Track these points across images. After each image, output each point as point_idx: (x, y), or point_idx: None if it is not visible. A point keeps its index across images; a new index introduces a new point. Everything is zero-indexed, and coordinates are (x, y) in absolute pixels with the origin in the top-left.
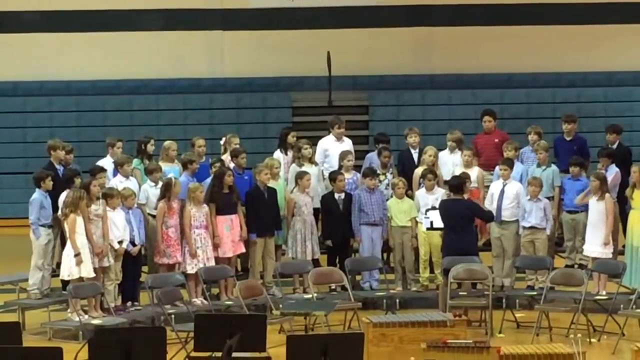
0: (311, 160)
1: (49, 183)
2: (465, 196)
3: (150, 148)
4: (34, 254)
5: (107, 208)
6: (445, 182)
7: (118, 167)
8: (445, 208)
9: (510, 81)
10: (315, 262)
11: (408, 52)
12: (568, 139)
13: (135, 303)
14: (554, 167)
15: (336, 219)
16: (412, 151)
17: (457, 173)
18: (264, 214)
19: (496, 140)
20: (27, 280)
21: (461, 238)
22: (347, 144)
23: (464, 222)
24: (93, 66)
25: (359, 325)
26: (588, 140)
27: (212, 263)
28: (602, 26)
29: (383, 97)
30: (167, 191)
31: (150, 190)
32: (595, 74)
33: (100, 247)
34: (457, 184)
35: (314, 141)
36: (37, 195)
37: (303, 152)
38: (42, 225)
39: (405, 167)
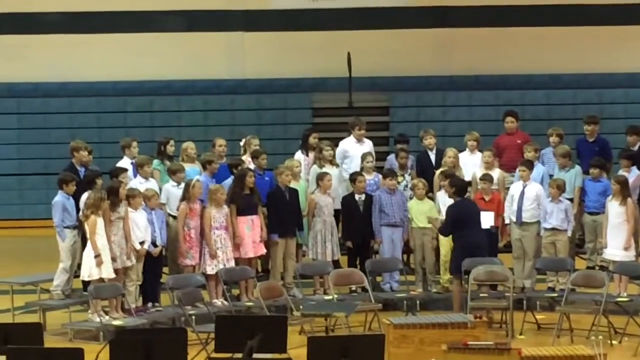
0: (332, 162)
1: (72, 187)
2: (487, 197)
3: (170, 149)
4: (62, 256)
5: (129, 209)
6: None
7: (138, 168)
8: (458, 208)
9: (530, 82)
10: (336, 263)
11: (428, 53)
12: (590, 140)
13: (156, 304)
14: (577, 167)
15: (356, 220)
16: (429, 153)
17: (478, 174)
18: (285, 215)
19: (519, 141)
20: (47, 281)
21: (476, 233)
22: (368, 146)
23: (476, 221)
24: (114, 67)
25: (379, 326)
26: (609, 142)
27: (232, 264)
28: (623, 27)
29: (403, 98)
30: (186, 192)
31: (172, 191)
32: (616, 75)
33: (115, 253)
34: (463, 185)
35: (334, 142)
36: (59, 197)
37: (324, 154)
38: (67, 227)
39: (423, 169)
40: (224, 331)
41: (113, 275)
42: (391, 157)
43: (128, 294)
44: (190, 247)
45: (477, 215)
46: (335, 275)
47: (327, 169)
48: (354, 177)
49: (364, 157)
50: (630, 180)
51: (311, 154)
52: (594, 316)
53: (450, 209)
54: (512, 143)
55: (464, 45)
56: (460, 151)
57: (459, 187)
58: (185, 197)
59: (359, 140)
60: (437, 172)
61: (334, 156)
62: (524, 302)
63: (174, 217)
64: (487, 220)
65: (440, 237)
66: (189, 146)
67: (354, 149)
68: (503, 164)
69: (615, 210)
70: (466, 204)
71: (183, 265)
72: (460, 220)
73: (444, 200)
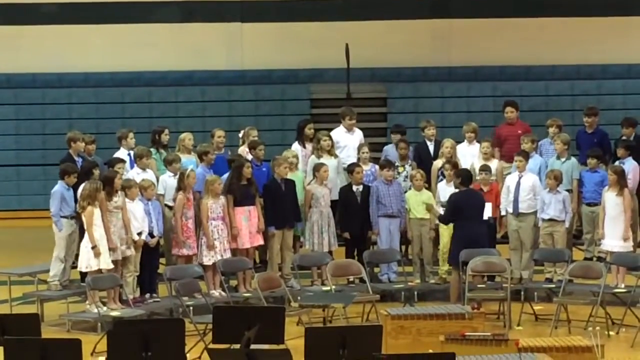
0: (330, 152)
1: (73, 179)
2: (485, 188)
3: (165, 138)
4: (56, 246)
5: (127, 200)
6: None
7: (137, 159)
8: (461, 199)
9: (529, 73)
10: (333, 254)
11: (426, 44)
12: (589, 131)
13: (154, 295)
14: (573, 159)
15: (354, 211)
16: (429, 143)
17: (477, 165)
18: (281, 206)
19: (519, 131)
20: (45, 271)
21: (475, 225)
22: (358, 135)
23: (478, 212)
24: (112, 58)
25: (377, 317)
26: (608, 134)
27: (229, 255)
28: (622, 18)
29: (401, 89)
30: (181, 182)
31: (169, 181)
32: (614, 66)
33: (115, 243)
34: (468, 175)
35: None
36: (59, 187)
37: (322, 144)
38: (64, 217)
39: (422, 160)
40: (222, 322)
41: (111, 266)
42: (387, 148)
43: (126, 284)
44: (188, 237)
45: (478, 207)
46: (333, 266)
47: (325, 159)
48: (351, 168)
49: (359, 147)
50: (630, 173)
51: (308, 145)
52: (592, 307)
53: (452, 196)
54: (512, 133)
55: (462, 36)
56: (458, 142)
57: (464, 176)
58: (181, 187)
59: (350, 129)
60: (435, 162)
61: (332, 146)
62: (522, 293)
63: (170, 208)
64: (486, 211)
65: (440, 228)
66: (187, 137)
67: (344, 139)
68: (504, 155)
69: (613, 201)
70: (469, 194)
71: (177, 256)
72: (460, 210)
73: (444, 191)
